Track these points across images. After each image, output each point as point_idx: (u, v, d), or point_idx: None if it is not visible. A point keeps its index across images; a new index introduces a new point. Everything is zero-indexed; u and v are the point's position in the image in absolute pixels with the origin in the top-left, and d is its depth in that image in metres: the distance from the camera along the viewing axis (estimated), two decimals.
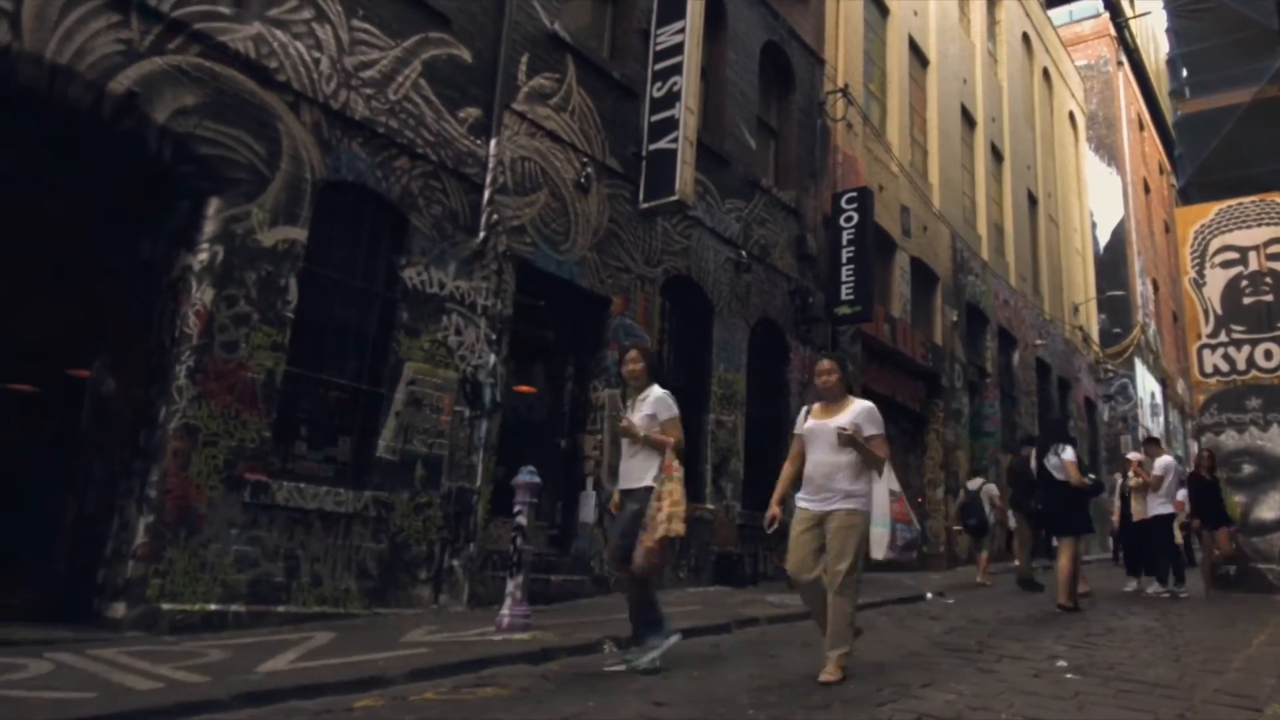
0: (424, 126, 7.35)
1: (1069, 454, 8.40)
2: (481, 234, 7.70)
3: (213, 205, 5.95)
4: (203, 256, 5.85)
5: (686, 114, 9.18)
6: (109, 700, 3.70)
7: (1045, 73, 24.88)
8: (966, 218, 18.81)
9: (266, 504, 5.91)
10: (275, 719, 3.71)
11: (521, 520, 5.93)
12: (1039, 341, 21.64)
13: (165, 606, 5.36)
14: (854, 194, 12.99)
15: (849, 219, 12.79)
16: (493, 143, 7.89)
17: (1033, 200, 22.95)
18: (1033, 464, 8.70)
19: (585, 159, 8.91)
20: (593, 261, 8.89)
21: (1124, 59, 31.85)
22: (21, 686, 3.85)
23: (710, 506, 10.11)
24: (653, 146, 9.38)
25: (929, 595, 9.37)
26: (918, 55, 17.36)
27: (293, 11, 6.50)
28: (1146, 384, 29.64)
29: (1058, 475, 8.40)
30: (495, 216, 7.83)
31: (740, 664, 5.13)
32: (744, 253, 11.15)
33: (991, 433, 18.43)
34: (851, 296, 12.54)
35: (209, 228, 5.91)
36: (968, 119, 19.40)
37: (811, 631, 6.64)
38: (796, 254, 12.44)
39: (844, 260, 12.67)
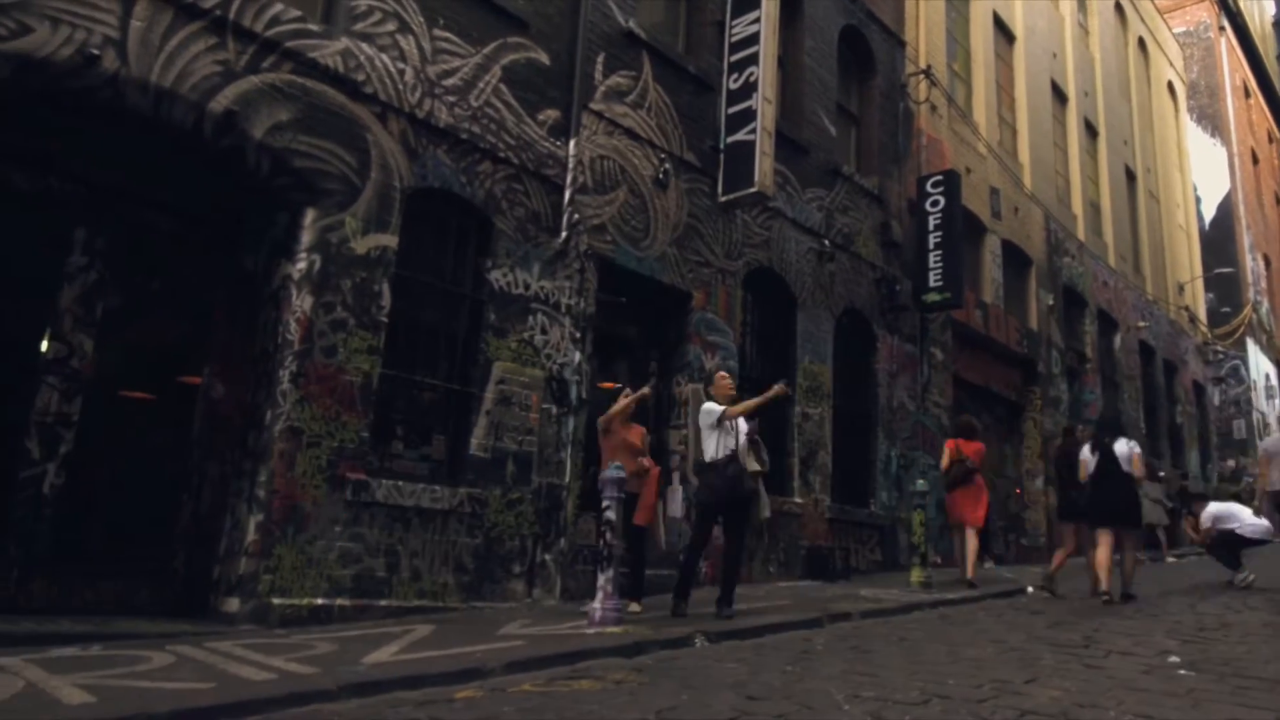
0: (505, 130, 7.49)
1: (1137, 447, 8.13)
2: (563, 234, 7.80)
3: (309, 216, 6.20)
4: (301, 266, 6.11)
5: (764, 104, 9.10)
6: (226, 691, 3.91)
7: (1141, 42, 23.72)
8: (1060, 197, 18.11)
9: (367, 501, 6.14)
10: (381, 709, 3.84)
11: (610, 515, 6.00)
12: (1141, 323, 20.68)
13: (275, 601, 5.62)
14: (940, 177, 12.65)
15: (935, 203, 12.48)
16: (572, 143, 7.98)
17: (1131, 176, 21.93)
18: (1084, 455, 8.37)
19: (663, 155, 8.93)
20: (673, 257, 8.91)
21: (1226, 24, 30.08)
22: (147, 677, 4.09)
23: (798, 500, 10.01)
24: (730, 139, 9.33)
25: (1030, 589, 9.07)
26: (1003, 31, 16.78)
27: (377, 25, 6.71)
28: (1260, 365, 27.98)
29: (1124, 466, 8.10)
30: (576, 216, 7.92)
31: (834, 659, 5.07)
32: (827, 242, 10.99)
33: (1093, 420, 17.69)
34: (940, 283, 12.22)
35: (306, 238, 6.16)
36: (1059, 95, 18.65)
37: (906, 627, 6.53)
38: (881, 241, 12.19)
39: (931, 246, 12.36)
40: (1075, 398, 17.33)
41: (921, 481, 9.64)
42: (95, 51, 5.26)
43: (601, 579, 5.95)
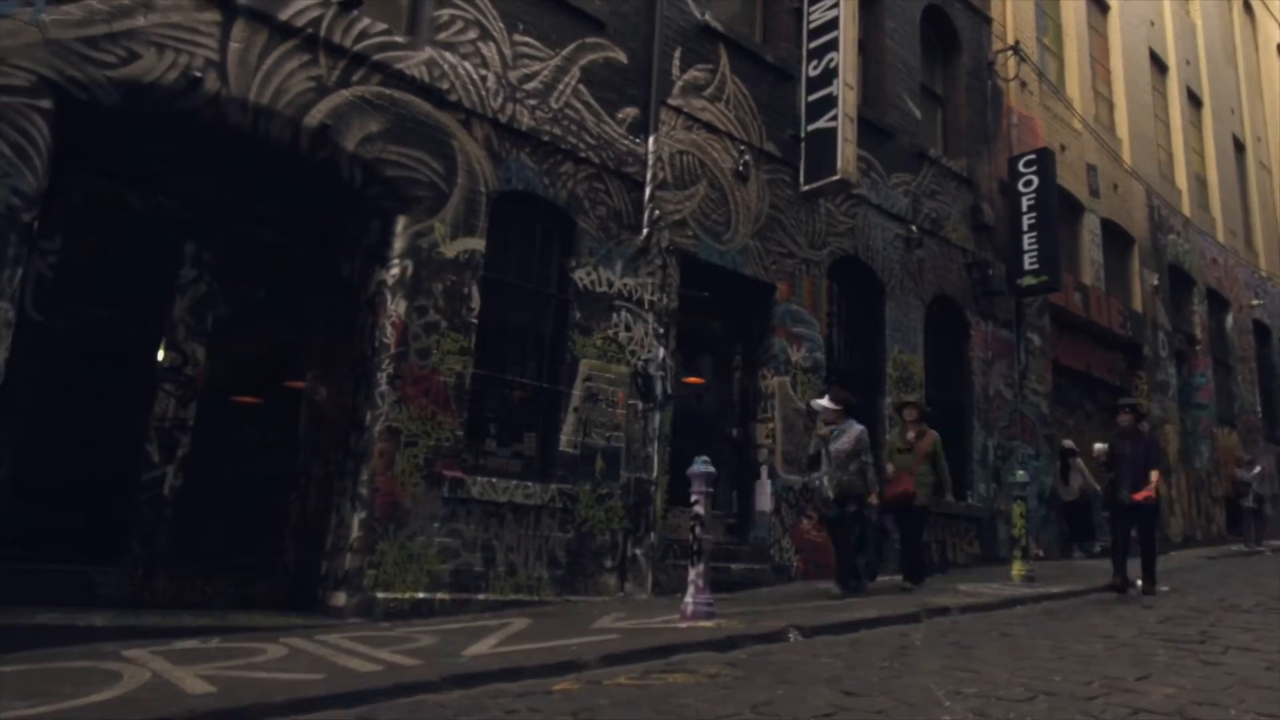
0: (585, 131, 7.56)
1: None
2: (645, 231, 7.84)
3: (400, 223, 6.40)
4: (394, 271, 6.32)
5: (845, 90, 8.94)
6: (336, 682, 4.08)
7: (1246, 4, 22.35)
8: (1163, 172, 17.24)
9: (463, 498, 6.31)
10: (482, 700, 3.94)
11: (699, 510, 6.00)
12: (1255, 301, 19.52)
13: (380, 595, 5.84)
14: (1032, 156, 12.21)
15: (1028, 183, 12.04)
16: (651, 140, 8.01)
17: (1239, 146, 20.71)
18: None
19: (742, 146, 8.88)
20: (755, 249, 8.85)
21: None
22: (262, 669, 4.31)
23: None
24: (811, 127, 9.21)
25: (1139, 582, 8.69)
26: (1096, 1, 16.05)
27: (460, 33, 6.87)
28: None
29: None
30: (657, 212, 7.95)
31: (933, 654, 4.97)
32: (914, 228, 10.73)
33: (1204, 405, 16.83)
34: (1036, 265, 11.80)
35: (398, 244, 6.37)
36: (1158, 65, 17.75)
37: (1008, 622, 6.35)
38: (972, 225, 11.84)
39: (1025, 228, 11.93)
40: (1184, 382, 16.49)
41: (1021, 472, 9.34)
42: (198, 74, 5.54)
43: (693, 573, 5.96)
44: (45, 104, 5.03)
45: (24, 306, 5.19)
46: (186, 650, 4.75)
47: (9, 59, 4.91)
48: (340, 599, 5.86)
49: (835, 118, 8.92)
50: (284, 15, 5.94)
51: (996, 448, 11.46)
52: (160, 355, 5.96)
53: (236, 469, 6.23)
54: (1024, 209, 12.00)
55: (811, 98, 9.26)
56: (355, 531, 5.91)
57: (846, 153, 8.86)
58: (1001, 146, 12.55)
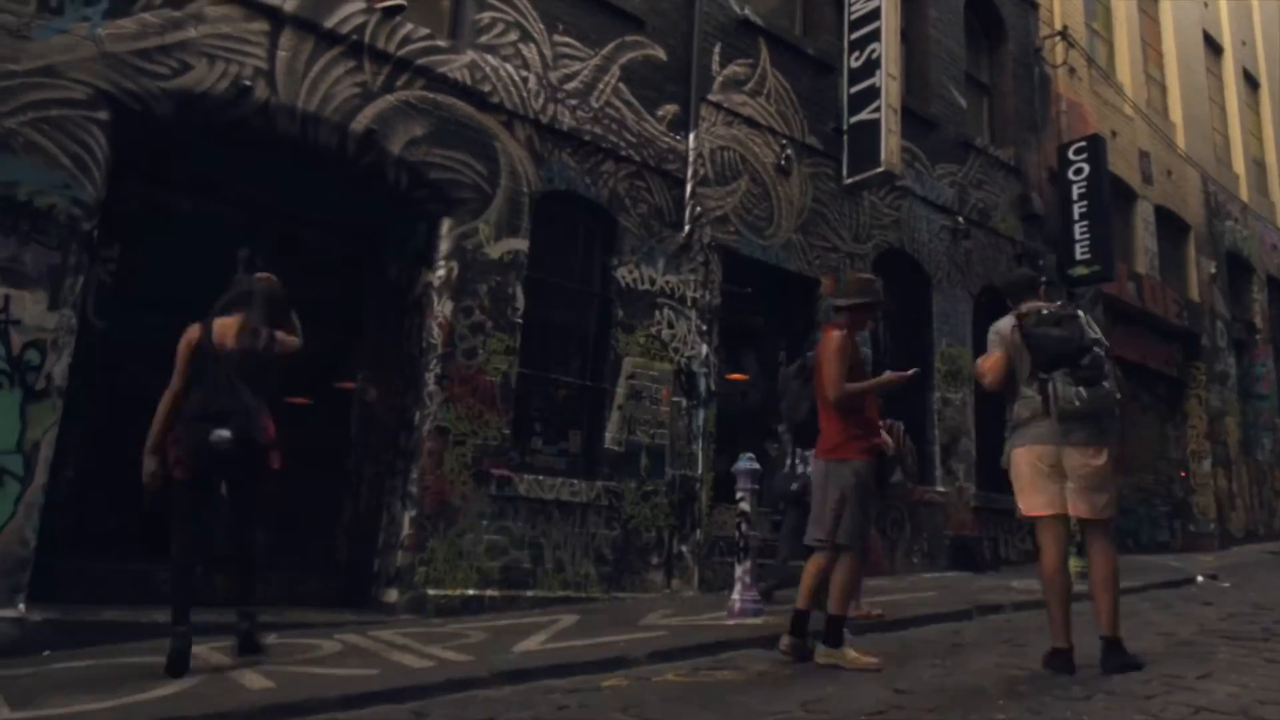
0: (625, 129, 7.58)
1: None
2: (686, 227, 7.84)
3: (445, 225, 6.49)
4: (440, 273, 6.41)
5: (888, 80, 8.83)
6: (389, 677, 4.16)
7: None
8: (1219, 156, 16.73)
9: (511, 496, 6.38)
10: (532, 696, 3.98)
11: (745, 506, 5.99)
12: None
13: (431, 592, 5.92)
14: (1082, 143, 11.94)
15: (1078, 171, 11.78)
16: (691, 136, 8.00)
17: None
18: None
19: (784, 141, 8.82)
20: (798, 244, 8.79)
21: None
22: (318, 664, 4.41)
23: (941, 489, 9.70)
24: (854, 119, 9.11)
25: (1200, 578, 8.47)
26: None
27: (500, 36, 6.93)
28: None
29: None
30: (698, 209, 7.94)
31: (985, 652, 4.90)
32: (961, 219, 10.57)
33: (1265, 395, 16.33)
34: (1088, 255, 11.54)
35: (444, 246, 6.46)
36: (1212, 46, 17.22)
37: None
38: (1020, 215, 11.61)
39: (1076, 217, 11.68)
40: (1244, 372, 16.00)
41: None
42: (248, 82, 5.67)
43: (739, 570, 5.95)
44: (103, 116, 5.19)
45: (85, 313, 5.36)
46: None
47: (68, 73, 5.08)
48: (392, 596, 5.96)
49: (878, 109, 8.82)
50: (329, 23, 6.05)
51: None
52: None
53: (291, 469, 6.35)
54: (1074, 197, 11.75)
55: (854, 89, 9.16)
56: (406, 529, 6.01)
57: (890, 144, 8.75)
58: (1050, 134, 12.29)
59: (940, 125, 10.55)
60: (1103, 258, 11.49)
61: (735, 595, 5.91)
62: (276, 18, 5.85)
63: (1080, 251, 11.61)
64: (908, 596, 7.07)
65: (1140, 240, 13.90)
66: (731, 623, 5.65)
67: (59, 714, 3.52)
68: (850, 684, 4.08)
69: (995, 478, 10.48)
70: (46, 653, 4.59)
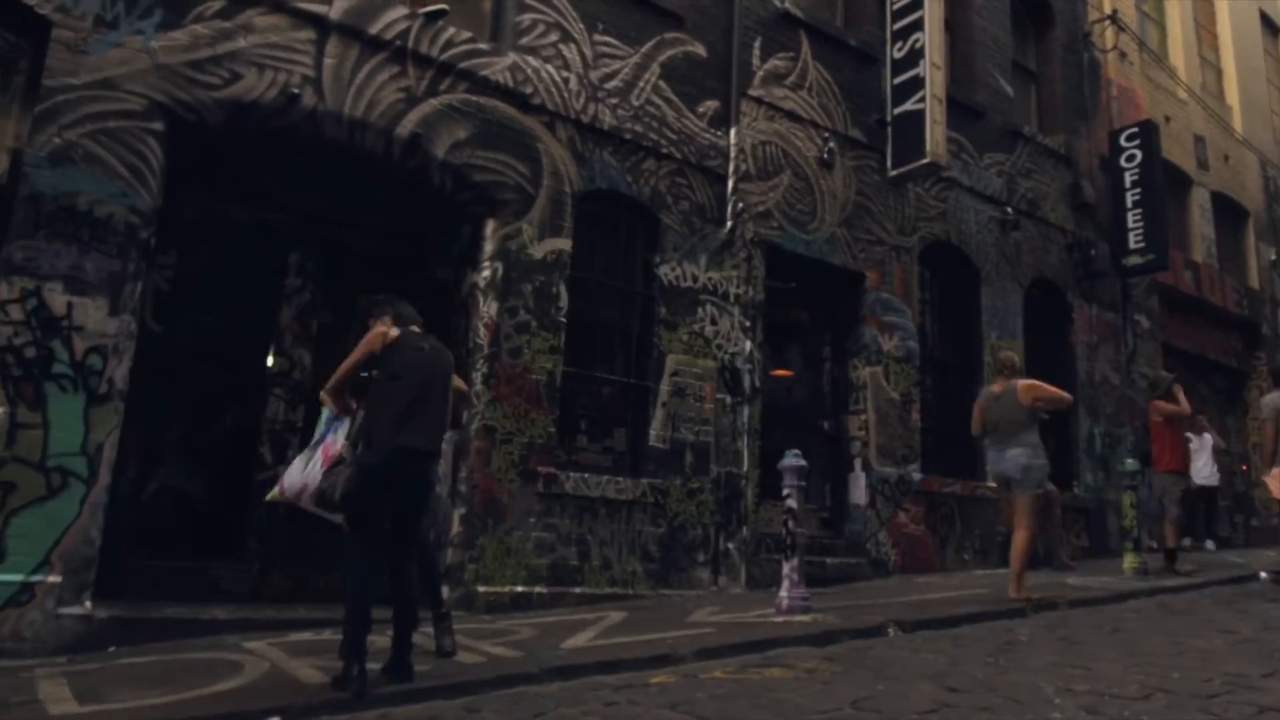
0: (666, 126, 7.58)
1: None
2: (728, 224, 7.81)
3: (489, 226, 6.56)
4: (485, 274, 6.48)
5: (932, 70, 8.71)
6: (442, 673, 4.22)
7: None
8: (1279, 139, 16.18)
9: (557, 494, 6.43)
10: (581, 692, 4.01)
11: (791, 503, 5.96)
12: None
13: (480, 589, 6.00)
14: (1134, 129, 11.64)
15: (1131, 158, 11.49)
16: (732, 132, 7.97)
17: None
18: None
19: (826, 134, 8.74)
20: (842, 238, 8.70)
21: None
22: (373, 659, 4.43)
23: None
24: (897, 110, 9.00)
25: (1263, 575, 8.21)
26: None
27: (541, 37, 6.97)
28: None
29: None
30: (740, 205, 7.90)
31: (1040, 650, 4.81)
32: (1009, 209, 10.37)
33: None
34: (1141, 244, 11.25)
35: (488, 247, 6.53)
36: (1269, 27, 16.66)
37: (1121, 616, 6.09)
38: (1071, 204, 11.36)
39: (1129, 204, 11.39)
40: None
41: (1131, 460, 8.92)
42: (296, 90, 5.78)
43: (787, 567, 5.92)
44: (157, 126, 5.33)
45: (144, 318, 5.52)
46: (301, 642, 4.98)
47: (124, 85, 5.23)
48: (444, 593, 6.02)
49: (923, 99, 8.69)
50: (374, 29, 6.15)
51: (1104, 435, 10.99)
52: (270, 361, 6.26)
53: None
54: (1127, 185, 11.46)
55: (897, 80, 9.05)
56: (455, 527, 6.08)
57: (935, 134, 8.62)
58: (1101, 121, 12.00)
59: (987, 114, 10.37)
60: (1157, 246, 11.20)
61: (783, 592, 5.88)
62: (322, 26, 5.96)
63: (1134, 240, 11.33)
64: (959, 594, 6.98)
65: (1196, 227, 13.51)
66: (780, 620, 5.63)
67: (124, 708, 3.64)
68: (901, 682, 4.04)
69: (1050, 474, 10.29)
70: (112, 648, 4.74)
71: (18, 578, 4.61)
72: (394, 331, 4.19)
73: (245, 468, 6.06)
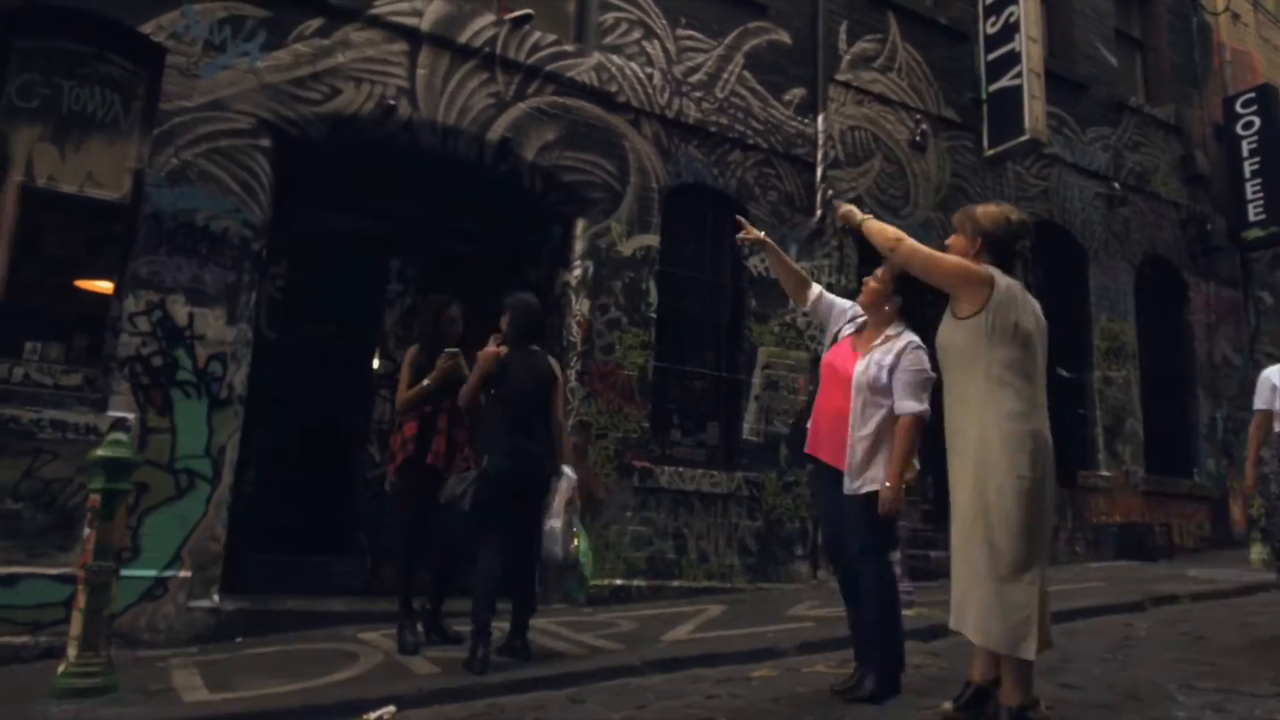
0: (752, 117, 7.52)
1: None
2: (818, 212, 7.70)
3: (579, 225, 6.65)
4: (576, 272, 6.57)
5: (1029, 44, 8.37)
6: (546, 665, 4.30)
7: None
8: None
9: (652, 488, 6.48)
10: (683, 684, 4.04)
11: None
12: None
13: None
14: (1251, 95, 10.94)
15: (1248, 125, 10.81)
16: (820, 119, 7.85)
17: None
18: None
19: (918, 116, 8.52)
20: (938, 221, 8.46)
21: None
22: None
23: (1105, 473, 9.14)
24: (993, 87, 8.69)
25: None
26: None
27: (624, 35, 7.02)
28: None
29: None
30: (830, 192, 7.78)
31: (1160, 646, 4.60)
32: (1116, 184, 9.90)
33: None
34: (1262, 216, 10.59)
35: (579, 246, 6.62)
36: None
37: (1248, 610, 5.76)
38: (1183, 176, 10.77)
39: (1248, 175, 10.73)
40: None
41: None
42: (392, 101, 5.98)
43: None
44: (265, 143, 5.60)
45: (259, 326, 5.82)
46: None
47: (233, 105, 5.51)
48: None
49: (1019, 74, 8.37)
50: (463, 38, 6.30)
51: (1226, 419, 10.38)
52: (375, 364, 6.51)
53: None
54: (1245, 154, 10.79)
55: (991, 56, 8.74)
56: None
57: (1034, 110, 8.30)
58: (1214, 87, 11.33)
59: (1089, 87, 9.91)
60: (1279, 218, 10.52)
61: None
62: (415, 37, 6.14)
63: (1254, 212, 10.66)
64: (1073, 587, 6.72)
65: None
66: None
67: (251, 695, 3.85)
68: None
69: (1166, 460, 9.82)
70: (238, 639, 5.01)
71: (152, 573, 4.93)
72: (502, 350, 4.67)
73: (355, 467, 6.32)
